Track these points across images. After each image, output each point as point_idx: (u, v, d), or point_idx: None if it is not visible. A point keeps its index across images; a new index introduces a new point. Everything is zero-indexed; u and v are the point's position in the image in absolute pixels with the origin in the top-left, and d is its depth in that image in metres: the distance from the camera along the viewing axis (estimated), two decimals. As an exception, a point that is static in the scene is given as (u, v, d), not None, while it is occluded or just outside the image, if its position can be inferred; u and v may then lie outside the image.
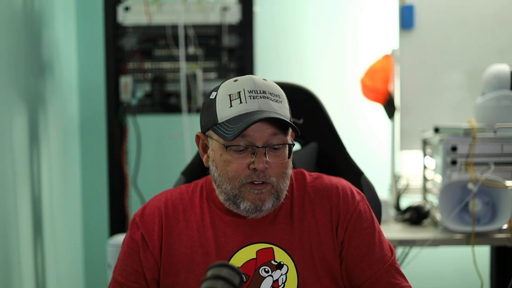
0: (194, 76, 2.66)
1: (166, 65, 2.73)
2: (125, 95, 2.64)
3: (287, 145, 1.36)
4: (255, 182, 1.33)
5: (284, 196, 1.38)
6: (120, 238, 2.40)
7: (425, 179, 2.59)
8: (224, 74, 2.73)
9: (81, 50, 3.26)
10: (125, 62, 2.70)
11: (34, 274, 2.44)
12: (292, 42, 3.31)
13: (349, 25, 3.31)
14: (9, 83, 2.21)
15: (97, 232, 3.21)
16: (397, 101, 2.84)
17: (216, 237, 1.39)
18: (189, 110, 2.68)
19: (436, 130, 2.41)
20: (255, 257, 1.38)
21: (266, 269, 1.38)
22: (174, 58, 2.71)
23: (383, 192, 2.74)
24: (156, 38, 2.71)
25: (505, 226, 2.23)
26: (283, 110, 1.35)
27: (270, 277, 1.38)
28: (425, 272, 3.12)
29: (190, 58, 2.70)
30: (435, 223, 2.41)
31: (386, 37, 3.20)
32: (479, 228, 2.22)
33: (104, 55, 2.70)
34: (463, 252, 2.37)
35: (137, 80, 2.72)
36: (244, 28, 2.70)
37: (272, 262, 1.38)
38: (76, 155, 3.24)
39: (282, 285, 1.37)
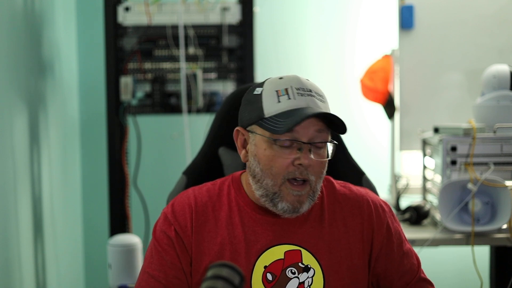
0: (194, 76, 2.66)
1: (166, 65, 2.73)
2: (125, 95, 2.64)
3: (326, 145, 1.37)
4: (297, 179, 1.34)
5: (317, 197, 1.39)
6: (120, 238, 2.39)
7: (424, 179, 2.59)
8: (224, 74, 2.73)
9: (82, 50, 3.26)
10: (125, 62, 2.70)
11: (34, 274, 2.44)
12: (291, 42, 3.31)
13: (348, 25, 3.31)
14: (9, 83, 2.21)
15: (97, 232, 3.21)
16: (396, 101, 2.84)
17: (246, 235, 1.39)
18: (189, 110, 2.68)
19: (436, 130, 2.41)
20: (283, 257, 1.39)
21: (293, 271, 1.38)
22: (174, 58, 2.71)
23: (383, 192, 2.74)
24: (156, 39, 2.72)
25: (504, 226, 2.24)
26: (327, 109, 1.38)
27: (296, 279, 1.38)
28: (425, 272, 3.12)
29: (190, 58, 2.70)
30: (434, 223, 2.41)
31: (386, 37, 3.21)
32: (479, 228, 2.22)
33: (104, 55, 2.70)
34: (463, 252, 2.37)
35: (137, 80, 2.72)
36: (244, 28, 2.70)
37: (300, 264, 1.39)
38: (76, 155, 3.25)
39: (308, 287, 1.38)
